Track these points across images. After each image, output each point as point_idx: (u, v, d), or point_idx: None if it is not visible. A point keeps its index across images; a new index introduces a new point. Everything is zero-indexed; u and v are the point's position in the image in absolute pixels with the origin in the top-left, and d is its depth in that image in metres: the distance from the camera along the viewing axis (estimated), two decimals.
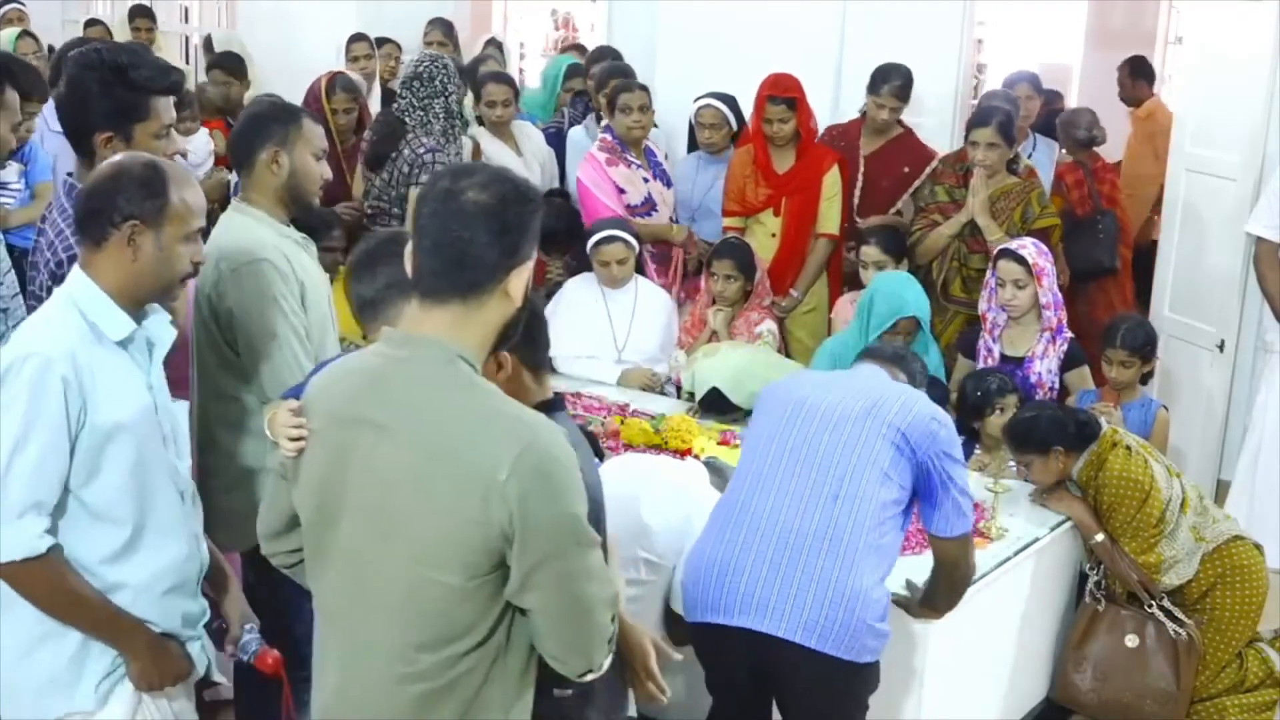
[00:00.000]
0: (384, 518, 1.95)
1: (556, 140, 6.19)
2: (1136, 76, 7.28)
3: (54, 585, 2.35)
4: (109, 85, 2.85)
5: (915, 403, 2.93)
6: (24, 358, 2.29)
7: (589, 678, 2.04)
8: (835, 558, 2.78)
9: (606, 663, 2.04)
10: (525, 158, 5.80)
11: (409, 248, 2.01)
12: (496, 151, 5.71)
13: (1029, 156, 5.66)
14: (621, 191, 5.35)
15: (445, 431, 1.91)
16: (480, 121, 5.90)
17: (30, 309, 2.93)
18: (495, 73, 6.08)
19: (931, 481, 2.86)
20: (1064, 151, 6.21)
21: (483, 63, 6.68)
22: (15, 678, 2.41)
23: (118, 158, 2.46)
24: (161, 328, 2.50)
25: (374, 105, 6.33)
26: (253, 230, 3.08)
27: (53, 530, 2.32)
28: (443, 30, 7.09)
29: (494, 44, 7.07)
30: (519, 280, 1.97)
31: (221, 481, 3.13)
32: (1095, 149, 6.07)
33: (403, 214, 5.24)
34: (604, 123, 5.54)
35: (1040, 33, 11.01)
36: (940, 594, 3.05)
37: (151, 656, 2.45)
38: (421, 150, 5.05)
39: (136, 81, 2.88)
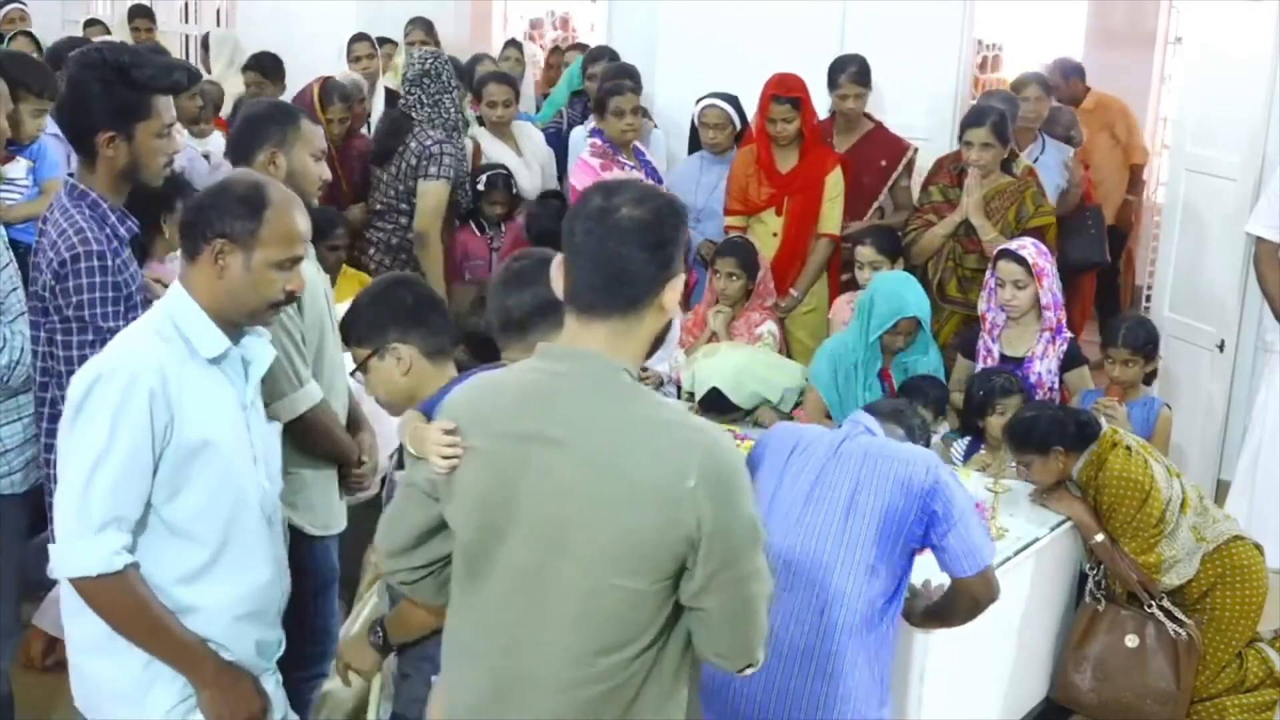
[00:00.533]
0: (561, 530, 1.96)
1: (556, 140, 6.19)
2: (1068, 76, 7.35)
3: (126, 605, 2.31)
4: (110, 84, 2.83)
5: (896, 481, 2.75)
6: (113, 369, 2.29)
7: (748, 672, 2.08)
8: (824, 680, 2.67)
9: (763, 658, 2.09)
10: (525, 157, 5.81)
11: (556, 265, 2.03)
12: (497, 152, 5.72)
13: (1036, 159, 5.65)
14: None
15: (624, 443, 1.94)
16: (481, 122, 5.91)
17: (32, 308, 2.92)
18: (496, 73, 6.09)
19: (937, 529, 2.73)
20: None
21: (479, 62, 6.69)
22: (87, 673, 2.42)
23: (231, 172, 2.46)
24: (260, 348, 2.50)
25: (376, 105, 6.34)
26: None
27: (132, 547, 2.29)
28: (424, 29, 7.10)
29: (514, 45, 7.03)
30: (673, 293, 2.00)
31: None
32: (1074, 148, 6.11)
33: (411, 208, 5.29)
34: (591, 125, 5.52)
35: (1040, 33, 11.01)
36: (955, 618, 2.94)
37: (220, 686, 2.41)
38: (429, 142, 5.20)
39: (138, 80, 2.86)
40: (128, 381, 2.26)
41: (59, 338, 2.79)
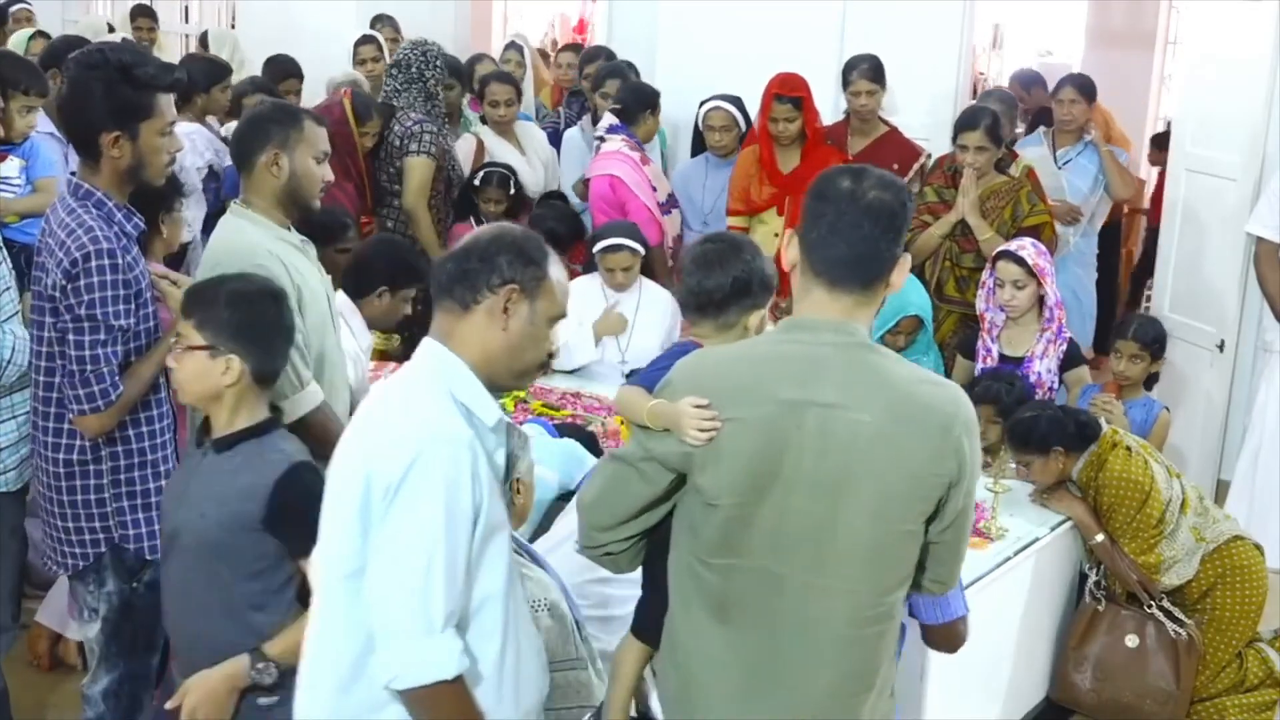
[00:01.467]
0: (845, 482, 2.10)
1: (553, 140, 6.20)
2: (1029, 87, 7.46)
3: (464, 713, 2.09)
4: (114, 84, 2.82)
5: None
6: (431, 448, 2.04)
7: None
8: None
9: None
10: (528, 156, 5.81)
11: (789, 239, 2.22)
12: (501, 150, 5.73)
13: (1069, 161, 5.73)
14: (653, 189, 5.42)
15: (896, 399, 2.11)
16: (484, 120, 5.92)
17: (36, 307, 2.91)
18: (498, 72, 6.10)
19: None
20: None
21: (479, 62, 6.68)
22: None
23: (491, 228, 2.25)
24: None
25: None
26: (247, 234, 3.05)
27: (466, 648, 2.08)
28: (392, 26, 7.13)
29: (514, 47, 6.99)
30: (901, 272, 2.18)
31: None
32: None
33: (401, 190, 5.39)
34: (606, 125, 5.51)
35: (1040, 33, 11.03)
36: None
37: None
38: (409, 122, 5.39)
39: (141, 79, 2.86)
40: (450, 459, 2.04)
41: (70, 337, 2.79)
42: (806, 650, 2.15)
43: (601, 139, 5.48)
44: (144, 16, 8.08)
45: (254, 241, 3.03)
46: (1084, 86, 5.90)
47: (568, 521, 3.56)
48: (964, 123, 4.98)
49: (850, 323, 2.15)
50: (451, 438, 2.06)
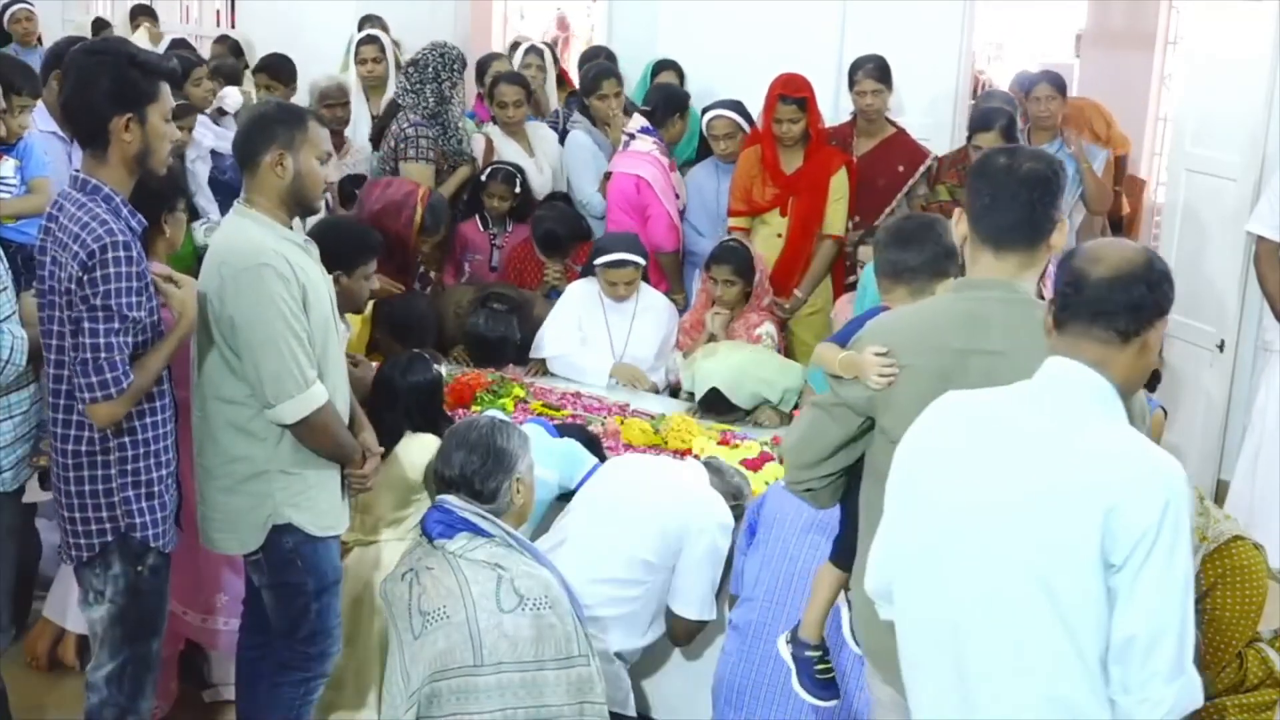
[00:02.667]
0: None
1: (562, 140, 6.18)
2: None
3: None
4: (122, 68, 2.86)
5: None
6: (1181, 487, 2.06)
7: None
8: None
9: None
10: (537, 158, 5.78)
11: (958, 218, 2.50)
12: (509, 151, 5.69)
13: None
14: (676, 195, 5.45)
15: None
16: (494, 120, 5.92)
17: (48, 303, 2.90)
18: (508, 73, 6.08)
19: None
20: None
21: (494, 62, 6.61)
22: None
23: None
24: None
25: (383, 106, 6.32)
26: (252, 234, 3.06)
27: None
28: (382, 27, 7.05)
29: (535, 51, 6.90)
30: (1060, 235, 2.44)
31: (222, 483, 3.13)
32: None
33: None
34: (637, 125, 5.52)
35: (1041, 33, 11.03)
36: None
37: None
38: (405, 125, 5.38)
39: (147, 64, 2.90)
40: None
41: (85, 325, 2.79)
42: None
43: (632, 136, 5.48)
44: (144, 15, 8.09)
45: (259, 241, 3.04)
46: (1058, 84, 5.92)
47: (568, 521, 3.57)
48: (979, 123, 4.98)
49: (1016, 281, 2.41)
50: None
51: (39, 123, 4.72)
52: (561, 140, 6.01)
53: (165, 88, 2.95)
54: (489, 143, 5.70)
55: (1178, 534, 1.93)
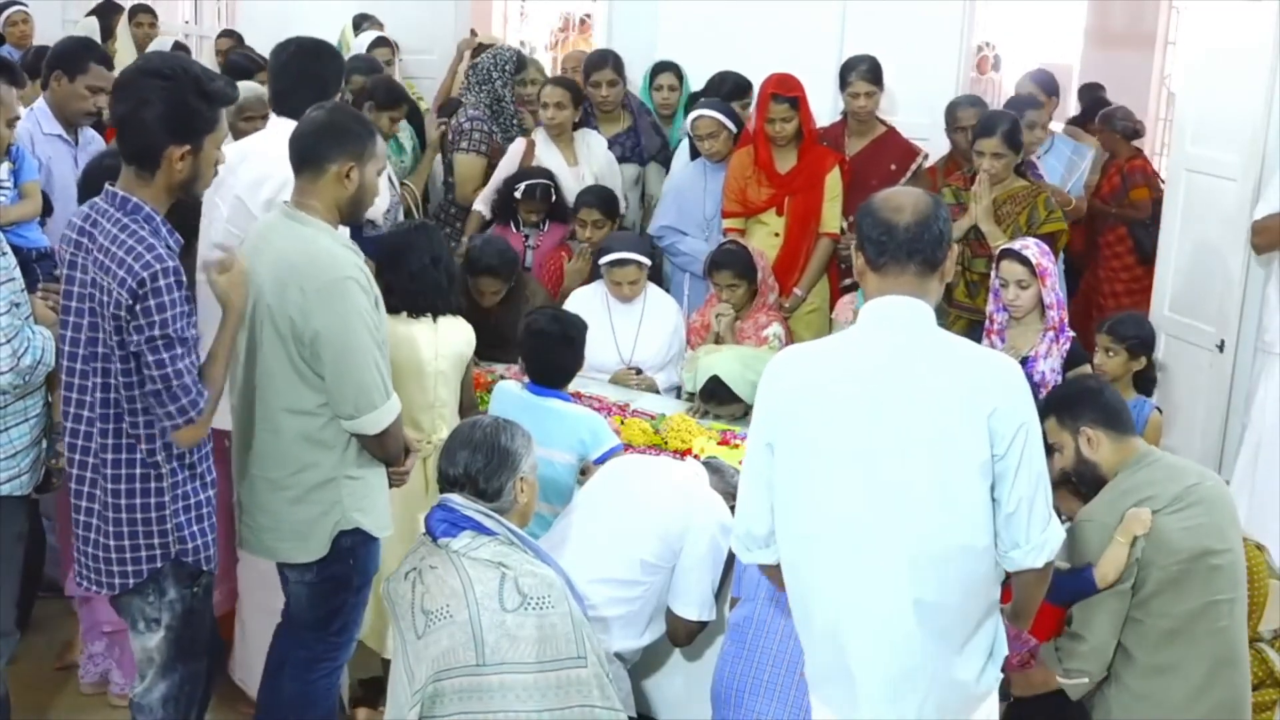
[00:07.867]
0: None
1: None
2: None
3: None
4: (188, 97, 2.82)
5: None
6: None
7: None
8: None
9: None
10: (579, 167, 5.61)
11: None
12: (549, 156, 5.58)
13: (1039, 158, 5.68)
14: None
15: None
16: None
17: (79, 311, 2.87)
18: (555, 77, 6.23)
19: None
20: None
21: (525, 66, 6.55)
22: None
23: None
24: None
25: None
26: (321, 243, 3.04)
27: None
28: (377, 27, 7.04)
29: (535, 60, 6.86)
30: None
31: (291, 494, 3.13)
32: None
33: (453, 183, 5.74)
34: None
35: (1040, 33, 11.03)
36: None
37: None
38: (462, 119, 5.84)
39: (212, 94, 2.87)
40: None
41: (149, 357, 2.77)
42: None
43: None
44: (144, 13, 8.07)
45: (335, 252, 3.03)
46: (1047, 84, 5.92)
47: (568, 521, 3.57)
48: (982, 129, 4.98)
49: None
50: None
51: (43, 125, 4.68)
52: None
53: (223, 115, 2.92)
54: (530, 145, 5.60)
55: (1031, 416, 2.45)
